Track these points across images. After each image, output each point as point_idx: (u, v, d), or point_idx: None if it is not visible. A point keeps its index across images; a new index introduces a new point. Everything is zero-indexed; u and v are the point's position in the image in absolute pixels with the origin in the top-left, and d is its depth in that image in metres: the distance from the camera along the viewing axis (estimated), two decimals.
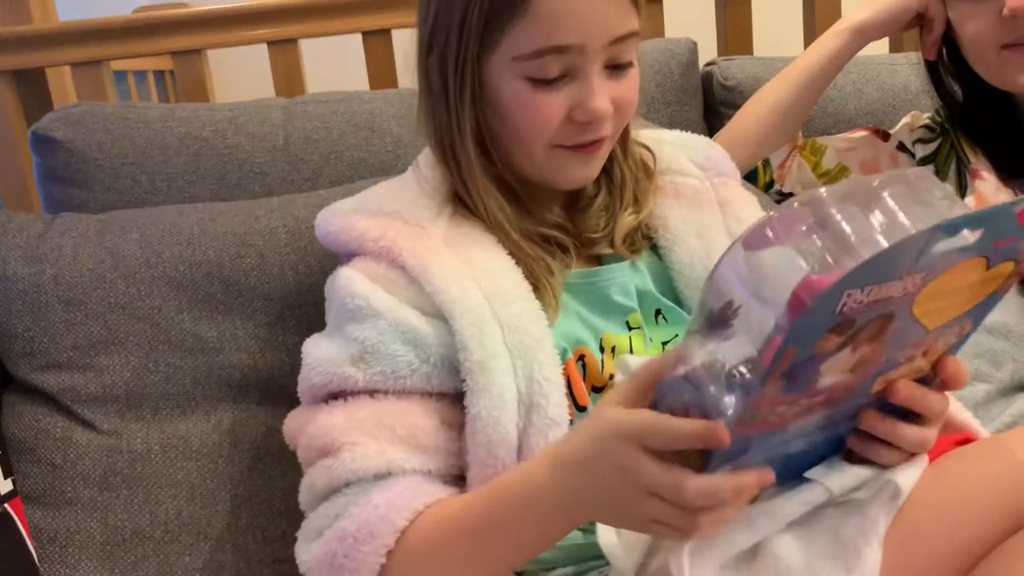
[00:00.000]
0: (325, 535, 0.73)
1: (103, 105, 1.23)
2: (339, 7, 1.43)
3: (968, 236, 0.52)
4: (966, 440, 0.73)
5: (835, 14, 1.51)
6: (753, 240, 0.52)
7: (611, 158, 0.87)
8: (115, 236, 1.04)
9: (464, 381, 0.75)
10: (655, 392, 0.60)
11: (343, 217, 0.85)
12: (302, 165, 1.19)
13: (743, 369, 0.53)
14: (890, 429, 0.63)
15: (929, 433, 0.64)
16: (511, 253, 0.81)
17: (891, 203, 0.52)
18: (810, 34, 1.54)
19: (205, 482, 0.99)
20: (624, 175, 0.87)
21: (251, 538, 0.99)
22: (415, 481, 0.74)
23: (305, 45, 1.48)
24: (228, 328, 1.02)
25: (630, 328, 0.83)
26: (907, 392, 0.61)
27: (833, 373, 0.55)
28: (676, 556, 0.60)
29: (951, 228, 0.50)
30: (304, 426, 0.79)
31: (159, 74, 2.15)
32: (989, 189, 1.06)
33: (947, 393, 0.65)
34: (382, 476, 0.73)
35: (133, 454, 0.99)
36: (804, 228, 0.51)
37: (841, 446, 0.66)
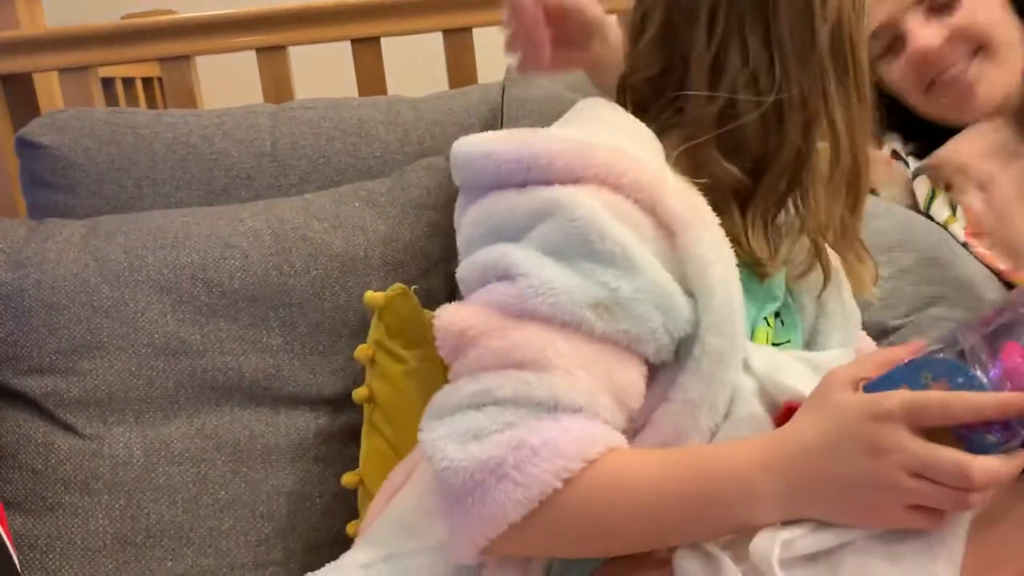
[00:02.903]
0: (493, 438, 0.63)
1: (90, 110, 1.23)
2: (328, 15, 1.43)
3: None
4: None
5: None
6: None
7: None
8: (100, 241, 1.04)
9: (686, 360, 0.67)
10: (894, 371, 0.60)
11: (563, 142, 0.68)
12: (289, 170, 1.18)
13: None
14: None
15: None
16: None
17: None
18: None
19: (188, 487, 0.98)
20: None
21: (234, 543, 0.98)
22: (610, 428, 0.66)
23: (294, 52, 1.48)
24: (212, 330, 1.01)
25: (767, 324, 0.78)
26: None
27: None
28: (765, 537, 0.60)
29: None
30: (495, 329, 0.67)
31: (147, 81, 2.14)
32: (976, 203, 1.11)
33: None
34: (577, 412, 0.65)
35: (115, 459, 0.98)
36: None
37: None
